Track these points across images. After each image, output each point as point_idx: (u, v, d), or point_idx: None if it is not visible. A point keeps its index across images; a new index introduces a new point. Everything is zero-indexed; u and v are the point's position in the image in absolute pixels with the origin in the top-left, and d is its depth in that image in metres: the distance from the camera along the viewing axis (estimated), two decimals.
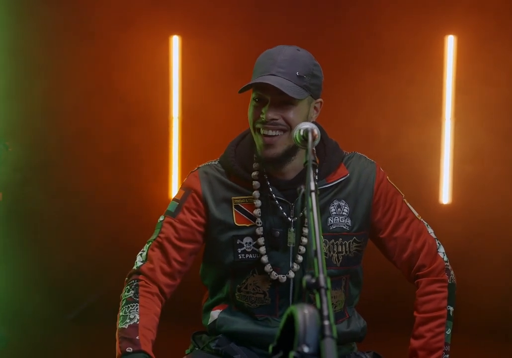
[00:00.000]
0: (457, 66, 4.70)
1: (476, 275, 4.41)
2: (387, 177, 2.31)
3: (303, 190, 1.65)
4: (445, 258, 2.31)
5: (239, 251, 2.22)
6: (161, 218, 2.28)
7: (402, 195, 2.32)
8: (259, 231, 2.21)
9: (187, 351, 2.36)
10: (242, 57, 4.69)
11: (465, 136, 4.72)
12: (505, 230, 4.61)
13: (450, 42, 4.69)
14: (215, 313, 2.30)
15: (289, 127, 2.13)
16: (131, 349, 2.09)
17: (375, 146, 4.52)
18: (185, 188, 2.27)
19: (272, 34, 4.63)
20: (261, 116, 2.14)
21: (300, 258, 2.22)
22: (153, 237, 2.27)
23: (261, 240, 2.21)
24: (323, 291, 1.43)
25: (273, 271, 2.21)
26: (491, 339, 4.41)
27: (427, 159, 4.75)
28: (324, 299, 1.42)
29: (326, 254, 2.22)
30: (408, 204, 2.32)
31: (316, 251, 1.51)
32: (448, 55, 4.70)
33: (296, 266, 2.22)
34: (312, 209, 1.59)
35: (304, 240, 2.22)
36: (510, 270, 4.59)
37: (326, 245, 2.22)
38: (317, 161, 1.86)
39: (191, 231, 2.24)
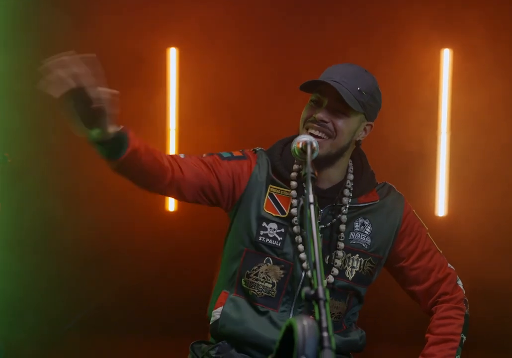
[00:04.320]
0: (453, 79, 4.73)
1: (472, 286, 4.41)
2: (414, 210, 2.40)
3: (301, 202, 1.67)
4: (464, 291, 2.39)
5: (261, 233, 2.27)
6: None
7: (426, 229, 2.40)
8: (297, 229, 2.25)
9: None
10: (238, 69, 4.72)
11: (461, 149, 4.74)
12: (501, 241, 4.62)
13: (446, 56, 4.72)
14: (216, 313, 2.31)
15: (335, 134, 2.20)
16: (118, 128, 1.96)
17: (369, 158, 4.52)
18: (245, 154, 2.33)
19: (270, 47, 4.65)
20: (313, 115, 2.21)
21: (335, 271, 2.27)
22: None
23: (299, 238, 2.25)
24: (322, 303, 1.45)
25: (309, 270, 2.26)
26: (487, 349, 4.42)
27: (423, 171, 4.76)
28: (323, 311, 1.43)
29: (341, 266, 2.28)
30: (431, 238, 2.40)
31: (315, 263, 1.52)
32: (444, 68, 4.72)
33: (331, 278, 2.28)
34: (311, 222, 1.60)
35: (340, 253, 2.27)
36: (507, 280, 4.59)
37: (343, 256, 2.28)
38: (316, 173, 1.89)
39: (226, 175, 2.25)
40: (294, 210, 2.25)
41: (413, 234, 2.35)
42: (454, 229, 4.66)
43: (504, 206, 4.66)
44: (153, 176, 2.11)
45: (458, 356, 2.30)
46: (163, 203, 4.86)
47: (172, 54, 4.88)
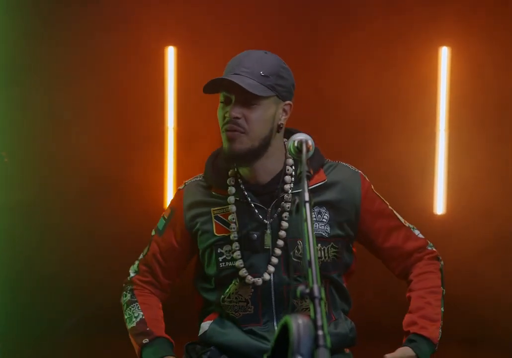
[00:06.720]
0: (451, 77, 4.72)
1: (470, 285, 4.42)
2: (372, 186, 2.32)
3: (297, 201, 1.67)
4: (435, 250, 2.35)
5: (220, 260, 2.25)
6: (152, 233, 2.39)
7: (387, 204, 2.34)
8: (234, 236, 2.23)
9: None
10: None
11: (459, 147, 4.73)
12: (499, 239, 4.62)
13: (444, 54, 4.71)
14: (205, 325, 2.32)
15: (247, 129, 2.15)
16: (147, 340, 2.21)
17: (368, 156, 4.52)
18: (171, 207, 2.36)
19: (268, 46, 4.63)
20: (225, 115, 2.18)
21: (275, 260, 2.22)
22: (144, 252, 2.39)
23: (235, 245, 2.23)
24: (317, 301, 1.45)
25: (248, 275, 2.22)
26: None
27: (421, 169, 4.76)
28: (318, 309, 1.43)
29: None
30: (394, 211, 2.35)
31: (310, 261, 1.52)
32: (442, 67, 4.71)
33: (271, 268, 2.22)
34: (306, 220, 1.60)
35: (280, 242, 2.22)
36: (505, 278, 4.60)
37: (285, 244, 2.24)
38: (311, 171, 1.87)
39: (173, 250, 2.33)
40: (231, 217, 2.22)
41: (375, 213, 2.29)
42: (452, 227, 4.66)
43: (503, 204, 4.66)
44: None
45: (442, 308, 2.25)
46: (161, 202, 4.86)
47: (170, 53, 4.87)
